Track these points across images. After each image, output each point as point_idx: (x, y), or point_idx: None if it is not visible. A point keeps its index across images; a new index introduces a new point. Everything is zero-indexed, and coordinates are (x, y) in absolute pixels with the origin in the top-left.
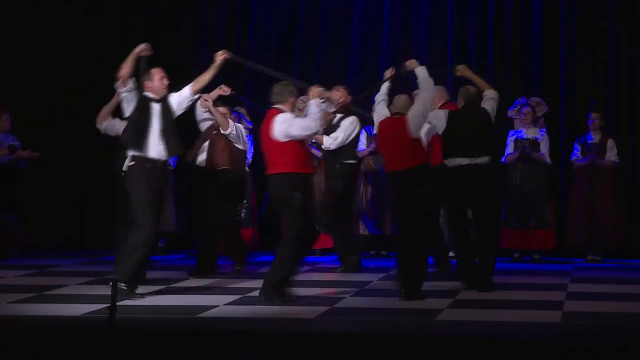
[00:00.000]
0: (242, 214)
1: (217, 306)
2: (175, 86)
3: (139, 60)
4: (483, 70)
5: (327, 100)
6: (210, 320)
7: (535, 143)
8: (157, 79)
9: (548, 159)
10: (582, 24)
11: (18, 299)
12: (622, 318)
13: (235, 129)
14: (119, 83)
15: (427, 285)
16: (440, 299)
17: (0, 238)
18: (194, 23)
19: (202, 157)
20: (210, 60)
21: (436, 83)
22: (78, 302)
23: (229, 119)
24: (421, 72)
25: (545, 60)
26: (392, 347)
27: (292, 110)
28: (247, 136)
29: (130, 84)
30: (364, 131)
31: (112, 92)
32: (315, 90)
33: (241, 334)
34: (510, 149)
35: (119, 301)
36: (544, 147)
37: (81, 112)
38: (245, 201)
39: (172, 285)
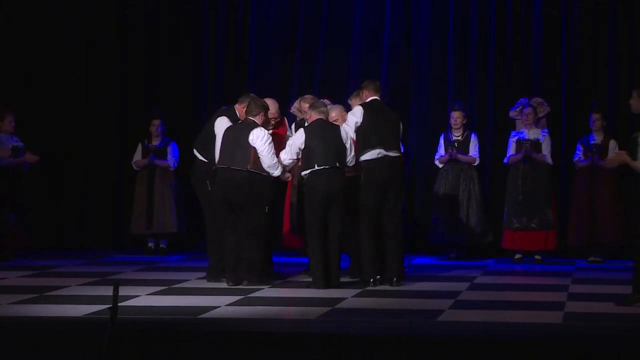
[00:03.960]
0: None
1: (219, 307)
2: (177, 87)
3: None
4: (484, 70)
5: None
6: (211, 321)
7: (536, 144)
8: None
9: (550, 160)
10: (583, 24)
11: (19, 299)
12: (623, 319)
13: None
14: None
15: (430, 286)
16: (442, 299)
17: (2, 239)
18: (193, 23)
19: None
20: (210, 60)
21: (437, 80)
22: (79, 302)
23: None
24: None
25: (546, 60)
26: (393, 348)
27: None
28: None
29: None
30: None
31: (112, 93)
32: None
33: (243, 335)
34: (512, 149)
35: (121, 301)
36: (546, 148)
37: (81, 113)
38: None
39: (174, 286)
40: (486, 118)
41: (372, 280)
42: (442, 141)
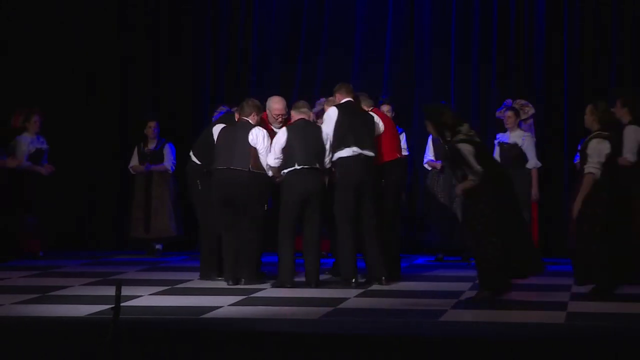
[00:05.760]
0: None
1: (221, 307)
2: (177, 87)
3: None
4: (486, 72)
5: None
6: (214, 321)
7: (515, 147)
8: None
9: (533, 163)
10: (584, 23)
11: (22, 299)
12: (626, 319)
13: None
14: None
15: (432, 286)
16: (444, 299)
17: (20, 240)
18: (195, 23)
19: None
20: (211, 60)
21: (438, 80)
22: (82, 302)
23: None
24: None
25: (548, 62)
26: (396, 348)
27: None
28: None
29: None
30: None
31: (112, 93)
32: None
33: (245, 335)
34: (495, 152)
35: (124, 302)
36: (529, 151)
37: (81, 113)
38: None
39: (176, 287)
40: (487, 118)
41: (353, 280)
42: (430, 143)
